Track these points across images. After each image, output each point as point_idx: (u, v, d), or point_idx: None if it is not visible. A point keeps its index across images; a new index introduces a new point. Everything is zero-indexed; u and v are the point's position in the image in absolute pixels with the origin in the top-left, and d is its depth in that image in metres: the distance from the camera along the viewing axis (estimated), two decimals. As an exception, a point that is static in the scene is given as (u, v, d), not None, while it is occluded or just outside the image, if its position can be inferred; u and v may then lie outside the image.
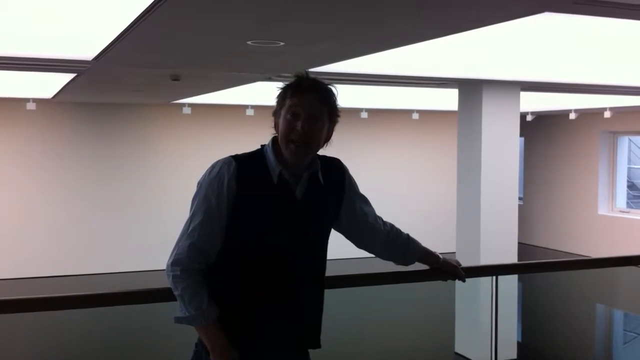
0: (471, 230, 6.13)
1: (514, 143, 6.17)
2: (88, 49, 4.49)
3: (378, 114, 11.10)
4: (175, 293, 2.04)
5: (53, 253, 9.80)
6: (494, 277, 2.98)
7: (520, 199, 12.04)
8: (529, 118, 10.95)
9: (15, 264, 9.57)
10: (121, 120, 10.25)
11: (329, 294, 2.25)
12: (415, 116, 10.74)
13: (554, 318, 8.12)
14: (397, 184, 11.67)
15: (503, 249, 6.05)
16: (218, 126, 10.55)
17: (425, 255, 2.46)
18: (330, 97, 2.09)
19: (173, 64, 5.07)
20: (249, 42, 3.83)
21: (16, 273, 9.48)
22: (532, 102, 8.82)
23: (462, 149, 6.33)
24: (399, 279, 2.76)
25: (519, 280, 7.27)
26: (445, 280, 2.56)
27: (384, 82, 6.31)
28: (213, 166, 2.07)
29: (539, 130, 12.11)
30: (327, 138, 2.12)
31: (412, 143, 11.90)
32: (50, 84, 6.89)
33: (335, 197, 2.22)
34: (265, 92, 7.03)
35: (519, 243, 6.31)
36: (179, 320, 2.04)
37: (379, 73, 5.66)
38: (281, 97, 2.07)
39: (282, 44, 3.86)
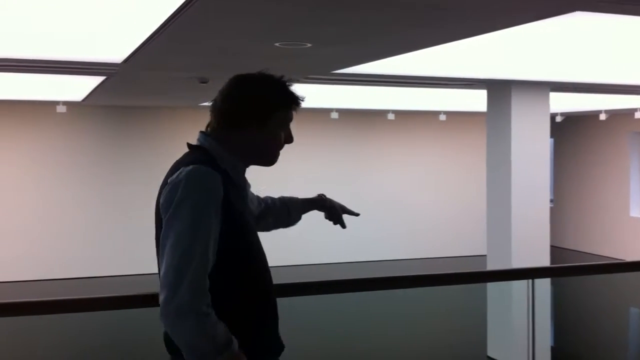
0: (502, 234, 6.05)
1: (544, 144, 6.09)
2: (117, 52, 4.53)
3: (404, 116, 11.02)
4: (194, 342, 1.75)
5: (82, 255, 9.90)
6: (531, 281, 2.94)
7: (550, 201, 11.90)
8: (558, 119, 10.82)
9: (48, 266, 9.70)
10: (149, 123, 10.34)
11: (364, 295, 2.22)
12: (443, 117, 10.65)
13: (587, 322, 7.99)
14: (425, 186, 11.58)
15: (535, 252, 5.96)
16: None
17: (309, 204, 2.42)
18: None
19: (201, 66, 5.09)
20: (276, 44, 3.84)
21: (48, 274, 9.62)
22: (562, 103, 8.71)
23: (492, 151, 6.26)
24: (433, 282, 2.73)
25: (551, 283, 7.17)
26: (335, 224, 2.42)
27: (410, 84, 6.27)
28: (195, 179, 1.81)
29: (568, 131, 11.96)
30: None
31: (440, 145, 11.80)
32: (80, 87, 6.97)
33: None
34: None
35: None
36: None
37: (405, 74, 5.62)
38: (284, 107, 2.08)
39: (309, 45, 3.85)
